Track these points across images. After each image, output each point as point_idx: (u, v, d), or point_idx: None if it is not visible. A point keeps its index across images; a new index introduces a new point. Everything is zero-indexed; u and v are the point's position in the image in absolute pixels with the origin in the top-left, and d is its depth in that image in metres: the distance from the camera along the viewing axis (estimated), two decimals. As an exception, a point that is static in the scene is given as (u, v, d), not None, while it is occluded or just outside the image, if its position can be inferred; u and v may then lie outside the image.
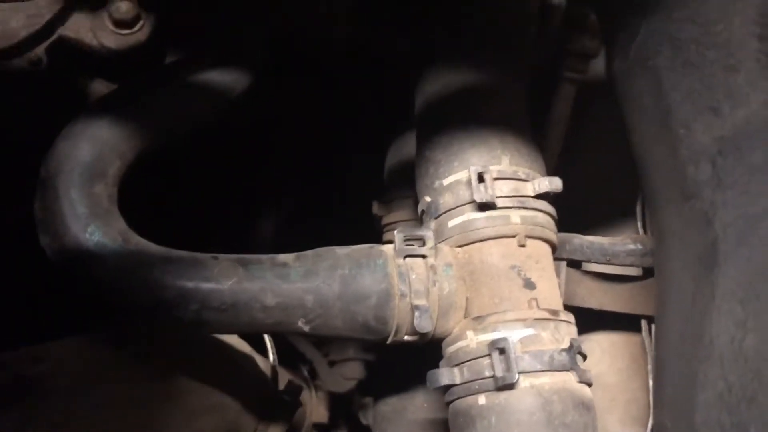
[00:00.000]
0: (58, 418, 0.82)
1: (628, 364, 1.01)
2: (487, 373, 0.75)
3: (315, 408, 1.60)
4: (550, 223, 0.85)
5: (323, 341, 1.61)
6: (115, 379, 0.86)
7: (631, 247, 0.92)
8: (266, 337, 1.22)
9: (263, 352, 1.26)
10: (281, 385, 1.22)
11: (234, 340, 1.09)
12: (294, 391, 1.15)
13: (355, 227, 1.03)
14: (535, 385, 0.74)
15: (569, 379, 0.76)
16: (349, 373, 1.57)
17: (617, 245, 0.93)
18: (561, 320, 0.79)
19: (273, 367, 1.19)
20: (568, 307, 0.85)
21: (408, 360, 0.94)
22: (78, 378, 0.84)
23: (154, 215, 0.92)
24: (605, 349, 1.03)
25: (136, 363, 0.88)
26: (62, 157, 0.81)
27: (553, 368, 0.75)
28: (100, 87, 1.01)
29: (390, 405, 1.06)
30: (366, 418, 1.58)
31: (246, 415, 1.03)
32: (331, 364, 1.58)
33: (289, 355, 1.49)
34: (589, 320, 0.96)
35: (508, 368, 0.74)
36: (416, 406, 1.03)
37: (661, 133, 0.69)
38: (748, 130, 0.60)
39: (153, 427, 0.86)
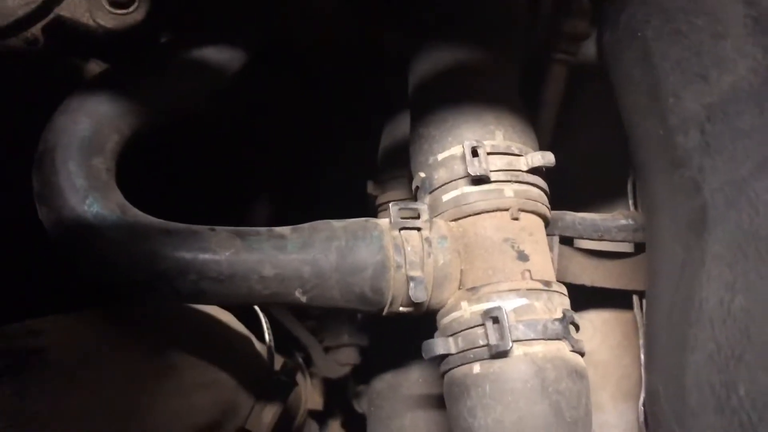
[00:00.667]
0: (55, 391, 0.82)
1: (620, 341, 1.02)
2: (482, 342, 0.77)
3: (310, 395, 1.61)
4: (543, 197, 0.87)
5: (318, 328, 1.62)
6: (112, 354, 0.87)
7: (623, 222, 0.94)
8: (262, 318, 1.23)
9: (259, 336, 1.27)
10: (277, 367, 1.23)
11: (230, 320, 1.10)
12: (290, 371, 1.16)
13: (349, 210, 1.04)
14: (528, 353, 0.75)
15: (562, 347, 0.77)
16: (343, 359, 1.58)
17: (609, 221, 0.94)
18: (554, 291, 0.81)
19: (269, 348, 1.20)
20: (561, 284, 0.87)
21: (402, 337, 0.95)
22: (75, 352, 0.85)
23: (150, 198, 0.92)
24: (597, 327, 1.04)
25: (132, 338, 0.89)
26: (61, 130, 0.81)
27: (546, 337, 0.77)
28: (95, 67, 1.01)
29: (385, 381, 1.07)
30: (360, 406, 1.59)
31: (242, 394, 1.04)
32: (326, 350, 1.59)
33: (284, 342, 1.50)
34: (581, 298, 0.97)
35: (501, 337, 0.75)
36: (411, 381, 1.04)
37: (651, 103, 0.71)
38: (735, 95, 0.62)
39: (150, 401, 0.86)
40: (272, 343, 1.21)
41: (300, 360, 1.58)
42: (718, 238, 0.64)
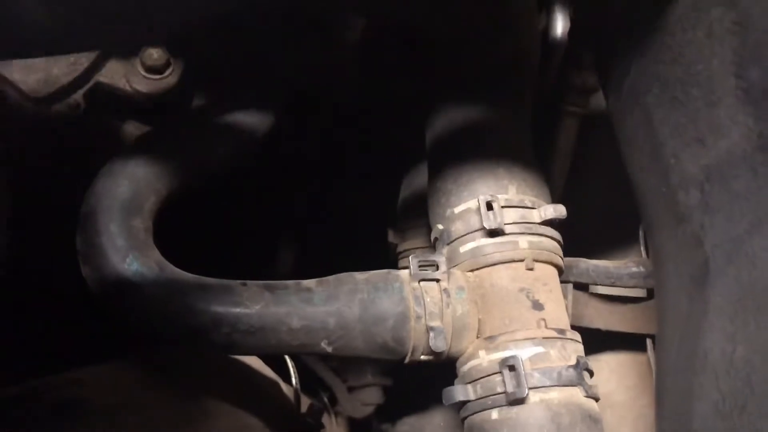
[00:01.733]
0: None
1: (636, 383, 1.05)
2: (499, 389, 0.81)
3: (335, 434, 1.64)
4: (556, 247, 0.91)
5: (342, 368, 1.66)
6: (151, 399, 0.92)
7: (634, 269, 0.98)
8: (289, 362, 1.27)
9: (286, 378, 1.32)
10: (303, 409, 1.27)
11: (260, 365, 1.15)
12: (316, 413, 1.20)
13: (370, 259, 1.09)
14: (544, 400, 0.79)
15: (577, 393, 0.81)
16: (367, 399, 1.61)
17: (621, 268, 0.98)
18: (568, 339, 0.84)
19: (295, 391, 1.25)
20: (576, 328, 0.90)
21: (425, 381, 0.99)
22: (115, 398, 0.90)
23: (184, 248, 0.98)
24: (613, 369, 1.07)
25: (169, 383, 0.94)
26: (102, 193, 0.87)
27: (561, 383, 0.80)
28: (132, 129, 1.08)
29: (408, 425, 1.11)
30: (384, 446, 1.62)
31: (271, 437, 1.08)
32: (350, 390, 1.63)
33: (309, 382, 1.54)
34: (597, 341, 1.00)
35: (518, 384, 0.79)
36: (434, 425, 1.07)
37: (653, 164, 0.75)
38: (730, 159, 0.66)
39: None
40: (299, 386, 1.25)
41: (325, 400, 1.62)
42: (719, 291, 0.68)
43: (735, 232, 0.67)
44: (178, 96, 1.05)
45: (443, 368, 0.88)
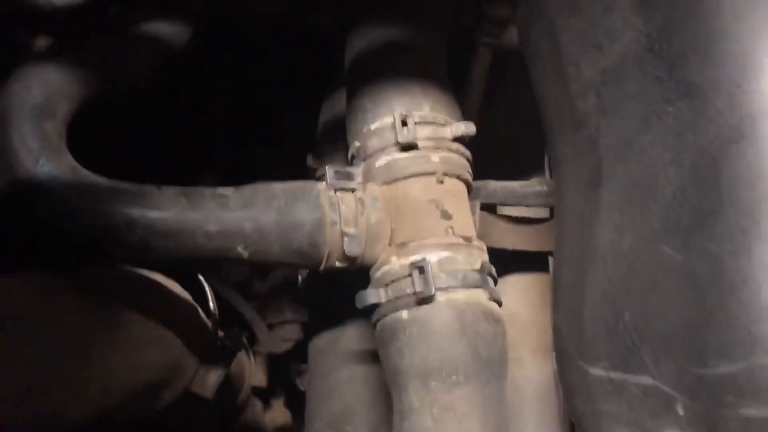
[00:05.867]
0: (6, 344, 0.87)
1: (539, 300, 1.11)
2: (409, 291, 0.84)
3: (253, 371, 1.67)
4: (466, 164, 0.95)
5: (261, 306, 1.67)
6: (61, 309, 0.92)
7: (538, 188, 1.03)
8: (207, 289, 1.28)
9: (205, 310, 1.33)
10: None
11: (176, 287, 1.15)
12: (234, 338, 1.22)
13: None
14: (450, 300, 0.84)
15: (481, 294, 0.86)
16: (286, 335, 1.64)
17: (526, 188, 1.03)
18: (474, 246, 0.89)
19: (213, 317, 1.26)
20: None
21: (340, 297, 1.02)
22: (25, 308, 0.90)
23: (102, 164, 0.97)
24: (518, 289, 1.13)
25: (81, 296, 0.94)
26: (13, 96, 0.86)
27: (466, 285, 0.85)
28: (46, 43, 1.06)
29: (324, 338, 1.14)
30: (303, 384, 1.66)
31: (188, 355, 1.10)
32: (270, 327, 1.65)
33: (228, 320, 1.55)
34: (502, 262, 1.05)
35: (426, 284, 0.83)
36: (348, 337, 1.11)
37: (555, 73, 0.80)
38: (623, 62, 0.71)
39: (99, 354, 0.91)
40: (216, 312, 1.27)
41: (243, 338, 1.64)
42: (610, 189, 0.74)
43: (626, 131, 0.72)
44: (92, 5, 1.02)
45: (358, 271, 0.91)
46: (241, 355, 1.52)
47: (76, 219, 0.81)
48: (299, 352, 1.65)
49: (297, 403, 1.77)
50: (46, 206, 0.82)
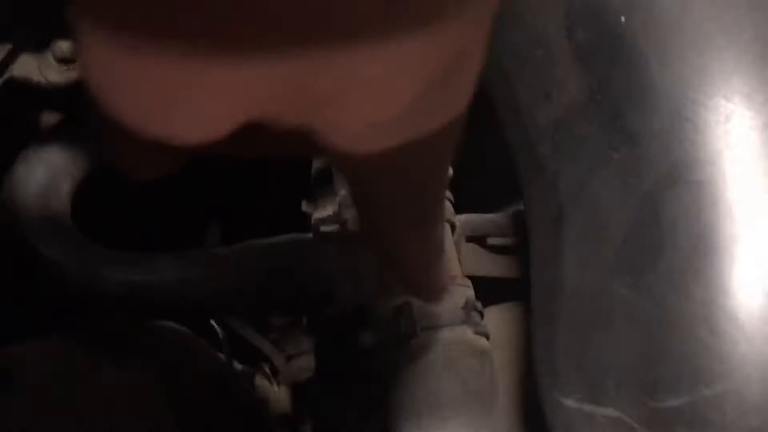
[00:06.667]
0: (28, 410, 0.93)
1: (525, 326, 1.15)
2: (395, 332, 0.90)
3: (278, 400, 1.73)
4: (448, 206, 1.00)
5: (279, 339, 1.73)
6: (82, 370, 0.98)
7: (517, 218, 1.08)
8: (216, 327, 1.34)
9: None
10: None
11: (188, 334, 1.21)
12: (246, 375, 1.28)
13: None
14: (436, 338, 0.89)
15: (466, 331, 0.91)
16: (305, 365, 1.70)
17: (505, 218, 1.08)
18: (458, 284, 0.94)
19: (227, 354, 1.32)
20: (476, 278, 1.00)
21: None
22: (46, 372, 0.96)
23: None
24: (505, 316, 1.17)
25: (101, 353, 1.00)
26: (20, 179, 0.93)
27: (451, 323, 0.90)
28: (48, 118, 1.14)
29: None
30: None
31: (205, 400, 1.16)
32: (288, 359, 1.71)
33: (248, 354, 1.61)
34: (490, 291, 1.10)
35: (412, 326, 0.88)
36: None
37: (515, 120, 0.84)
38: (571, 110, 0.75)
39: (123, 412, 0.98)
40: (229, 349, 1.33)
41: (267, 370, 1.70)
42: (571, 228, 0.78)
43: (579, 176, 0.76)
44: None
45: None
46: (265, 386, 1.57)
47: (82, 289, 0.88)
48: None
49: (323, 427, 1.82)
50: (55, 282, 0.89)
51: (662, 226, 0.66)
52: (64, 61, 1.08)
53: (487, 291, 1.02)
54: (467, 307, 0.92)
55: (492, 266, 1.10)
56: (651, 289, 0.65)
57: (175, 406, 1.08)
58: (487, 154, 1.22)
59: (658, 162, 0.67)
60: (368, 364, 0.94)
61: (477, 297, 0.97)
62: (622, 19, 0.71)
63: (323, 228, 0.95)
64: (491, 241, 1.12)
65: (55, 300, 0.91)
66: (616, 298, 0.70)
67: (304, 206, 1.33)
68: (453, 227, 1.01)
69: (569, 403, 0.77)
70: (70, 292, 0.89)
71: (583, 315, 0.75)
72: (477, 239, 1.10)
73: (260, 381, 1.57)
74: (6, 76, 1.09)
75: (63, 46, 1.07)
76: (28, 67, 1.10)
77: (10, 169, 0.95)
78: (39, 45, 1.09)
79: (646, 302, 0.66)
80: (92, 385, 0.99)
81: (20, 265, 0.90)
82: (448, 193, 1.00)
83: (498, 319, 1.12)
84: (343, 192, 1.02)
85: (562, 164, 0.79)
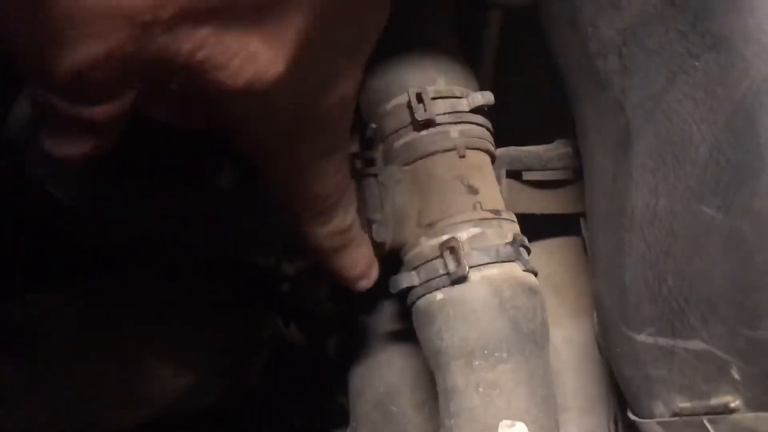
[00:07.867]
0: (64, 357, 0.87)
1: (574, 262, 1.09)
2: (442, 271, 0.83)
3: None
4: (487, 134, 0.93)
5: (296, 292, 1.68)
6: (113, 318, 0.92)
7: (563, 150, 1.01)
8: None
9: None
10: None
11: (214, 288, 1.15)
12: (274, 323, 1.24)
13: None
14: (485, 276, 0.82)
15: (515, 268, 0.84)
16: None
17: (550, 151, 1.01)
18: (503, 219, 0.87)
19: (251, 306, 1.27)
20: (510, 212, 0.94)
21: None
22: (76, 320, 0.90)
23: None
24: (552, 252, 1.11)
25: (127, 301, 0.94)
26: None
27: (499, 260, 0.83)
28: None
29: (362, 322, 1.13)
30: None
31: (230, 353, 1.10)
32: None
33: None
34: (535, 227, 1.03)
35: (458, 264, 0.82)
36: (385, 319, 1.10)
37: (573, 34, 0.77)
38: (643, 18, 0.68)
39: (150, 360, 0.92)
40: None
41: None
42: (641, 150, 0.71)
43: (652, 90, 0.69)
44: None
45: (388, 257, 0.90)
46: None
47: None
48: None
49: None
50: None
51: (759, 137, 0.59)
52: None
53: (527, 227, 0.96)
54: (515, 242, 0.85)
55: (531, 201, 1.03)
56: (748, 209, 0.59)
57: (202, 350, 1.03)
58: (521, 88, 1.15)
59: (752, 66, 0.59)
60: (411, 304, 0.87)
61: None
62: None
63: (357, 166, 0.88)
64: (527, 175, 1.05)
65: (63, 242, 0.84)
66: (702, 221, 0.63)
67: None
68: (493, 159, 0.94)
69: (642, 338, 0.71)
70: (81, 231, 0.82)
71: (658, 243, 0.69)
72: (515, 174, 1.03)
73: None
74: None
75: None
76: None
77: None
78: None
79: (742, 223, 0.59)
80: (120, 334, 0.93)
81: (32, 207, 0.83)
82: (486, 121, 0.92)
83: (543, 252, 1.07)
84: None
85: (630, 80, 0.72)
